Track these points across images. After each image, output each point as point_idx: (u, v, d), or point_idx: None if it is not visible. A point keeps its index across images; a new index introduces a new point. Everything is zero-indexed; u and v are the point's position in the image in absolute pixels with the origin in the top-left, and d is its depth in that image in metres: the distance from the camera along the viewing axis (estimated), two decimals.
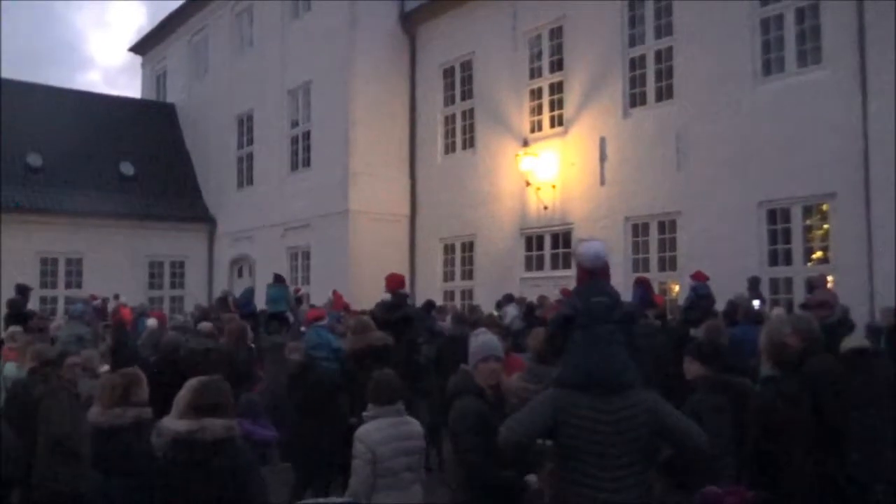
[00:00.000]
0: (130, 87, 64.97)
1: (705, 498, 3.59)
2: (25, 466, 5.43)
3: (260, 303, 13.91)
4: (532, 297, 12.41)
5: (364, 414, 4.31)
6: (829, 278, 10.06)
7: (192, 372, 4.49)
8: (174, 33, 24.03)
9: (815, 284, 9.03)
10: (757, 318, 7.74)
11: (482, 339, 4.09)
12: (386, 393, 4.23)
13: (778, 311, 8.47)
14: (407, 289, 9.13)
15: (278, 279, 12.56)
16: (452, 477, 4.00)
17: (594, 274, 3.51)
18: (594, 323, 3.25)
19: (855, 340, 5.63)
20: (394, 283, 8.13)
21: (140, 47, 26.55)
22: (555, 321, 3.61)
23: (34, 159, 19.28)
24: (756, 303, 9.44)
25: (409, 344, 7.58)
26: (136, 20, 61.96)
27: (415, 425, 4.32)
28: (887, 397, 4.97)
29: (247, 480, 3.45)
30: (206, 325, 9.05)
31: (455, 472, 3.96)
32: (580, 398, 3.12)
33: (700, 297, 9.22)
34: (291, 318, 11.46)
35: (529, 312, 10.55)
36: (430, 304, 11.82)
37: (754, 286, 9.86)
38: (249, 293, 13.93)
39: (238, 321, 9.65)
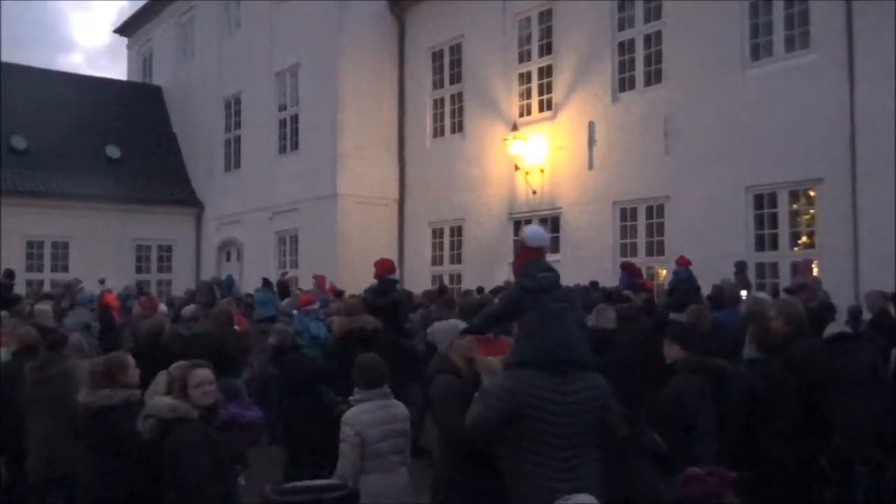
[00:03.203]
0: (113, 69, 64.21)
1: (687, 479, 3.63)
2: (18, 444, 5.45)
3: (247, 287, 13.91)
4: None
5: (350, 398, 4.33)
6: (814, 263, 10.16)
7: (177, 358, 4.51)
8: (160, 15, 23.76)
9: (799, 269, 9.11)
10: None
11: (451, 322, 4.31)
12: (371, 376, 4.26)
13: (762, 296, 8.52)
14: (396, 274, 9.08)
15: (266, 283, 12.49)
16: (436, 453, 4.06)
17: (538, 253, 3.59)
18: (544, 299, 3.28)
19: (838, 325, 5.71)
20: (382, 268, 8.12)
21: (125, 29, 26.24)
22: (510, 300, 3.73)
23: (18, 142, 19.09)
24: (743, 294, 9.50)
25: (397, 329, 7.59)
26: (117, 1, 61.12)
27: (401, 408, 4.35)
28: (869, 381, 5.04)
29: (181, 461, 3.62)
30: (189, 309, 8.93)
31: (438, 448, 4.02)
32: (539, 377, 3.13)
33: (681, 281, 9.27)
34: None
35: None
36: (442, 290, 11.73)
37: (741, 270, 9.93)
38: (230, 280, 14.06)
39: (223, 305, 9.59)
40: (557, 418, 3.09)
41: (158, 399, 3.84)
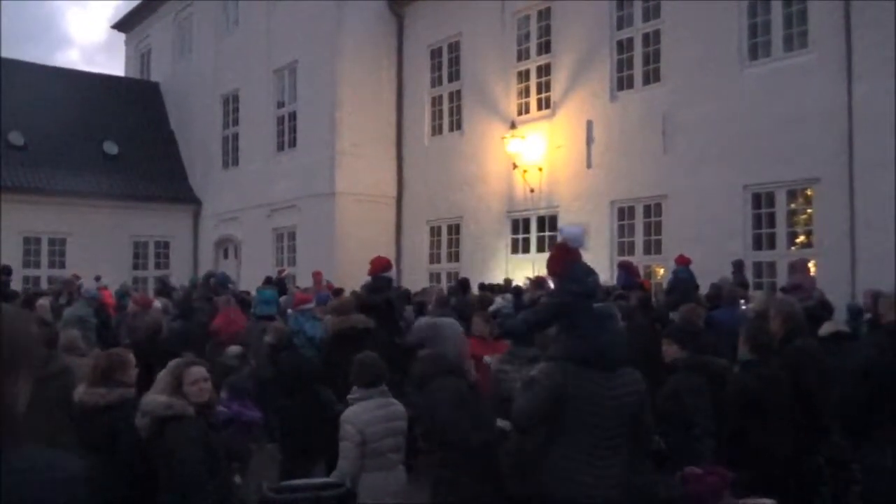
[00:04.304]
0: (110, 66, 63.99)
1: (686, 478, 3.64)
2: None
3: (245, 285, 13.87)
4: (518, 280, 12.44)
5: (349, 396, 4.32)
6: (811, 263, 10.17)
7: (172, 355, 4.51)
8: (158, 11, 23.69)
9: (794, 268, 9.10)
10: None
11: (450, 321, 4.23)
12: (370, 374, 4.25)
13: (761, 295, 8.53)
14: (393, 271, 9.05)
15: (269, 281, 12.46)
16: (434, 453, 4.05)
17: (577, 255, 3.57)
18: (592, 300, 3.32)
19: (834, 324, 5.71)
20: (377, 266, 8.11)
21: (123, 25, 26.18)
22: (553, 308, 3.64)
23: (16, 138, 19.04)
24: (742, 303, 9.49)
25: (391, 327, 7.58)
26: None
27: (399, 406, 4.35)
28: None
29: (179, 458, 3.62)
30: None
31: (438, 448, 4.01)
32: (586, 373, 3.18)
33: (680, 280, 9.26)
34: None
35: (518, 297, 10.53)
36: (464, 283, 11.69)
37: (738, 269, 9.93)
38: (224, 277, 14.05)
39: (231, 309, 9.50)
40: (602, 412, 3.15)
41: (154, 397, 3.83)
